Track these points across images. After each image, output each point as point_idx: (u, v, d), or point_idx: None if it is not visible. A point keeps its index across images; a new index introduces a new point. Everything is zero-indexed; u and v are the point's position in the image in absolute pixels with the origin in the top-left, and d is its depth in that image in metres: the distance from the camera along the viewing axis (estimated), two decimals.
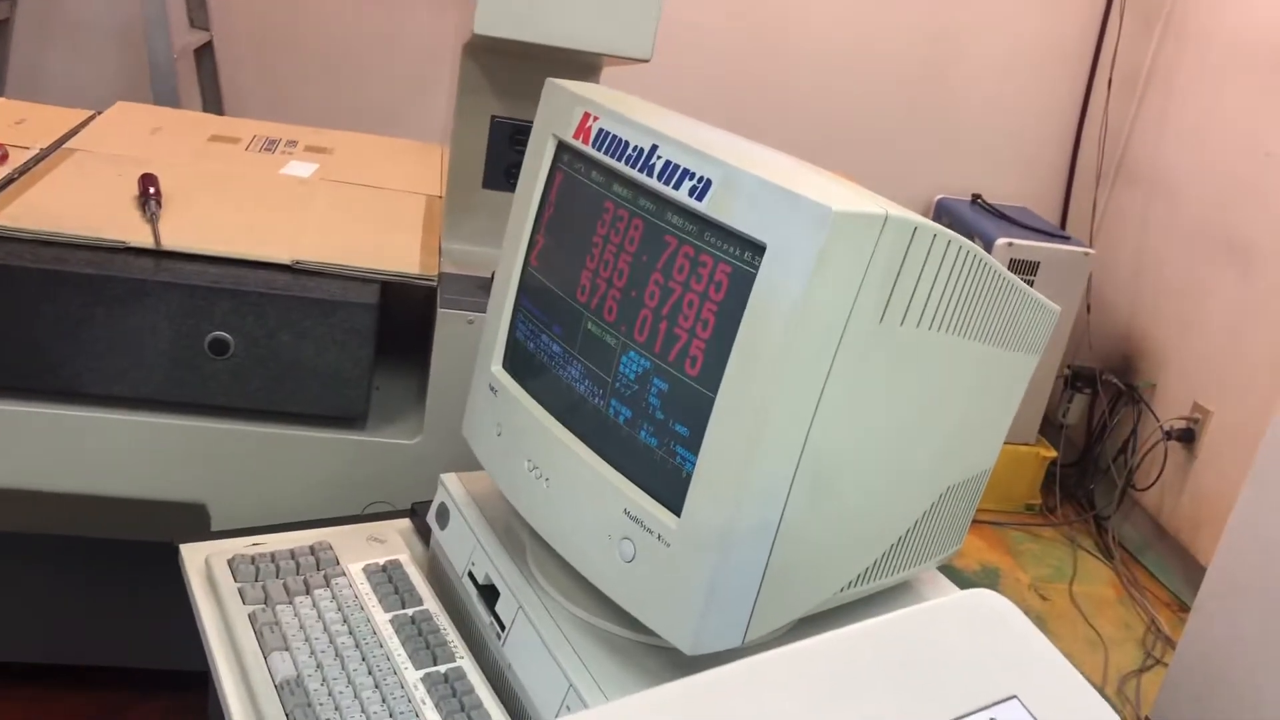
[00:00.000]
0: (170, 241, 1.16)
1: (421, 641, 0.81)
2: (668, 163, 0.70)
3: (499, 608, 0.82)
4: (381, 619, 0.83)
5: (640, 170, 0.71)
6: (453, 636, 0.82)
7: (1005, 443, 0.85)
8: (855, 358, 0.65)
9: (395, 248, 1.25)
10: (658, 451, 0.70)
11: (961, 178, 2.65)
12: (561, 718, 0.73)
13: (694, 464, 0.67)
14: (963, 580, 0.79)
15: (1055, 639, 0.54)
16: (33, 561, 1.30)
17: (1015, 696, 0.50)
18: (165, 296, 1.10)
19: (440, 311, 1.15)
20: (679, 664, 0.74)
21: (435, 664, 0.79)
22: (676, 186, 0.69)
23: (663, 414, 0.70)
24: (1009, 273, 0.74)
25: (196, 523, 1.18)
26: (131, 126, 1.55)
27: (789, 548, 0.68)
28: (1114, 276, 2.60)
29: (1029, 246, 2.31)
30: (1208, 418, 2.24)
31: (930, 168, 2.64)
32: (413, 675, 0.78)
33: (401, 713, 0.75)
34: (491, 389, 0.86)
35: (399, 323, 1.28)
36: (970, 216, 2.48)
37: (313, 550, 0.91)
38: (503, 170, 1.28)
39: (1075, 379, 2.51)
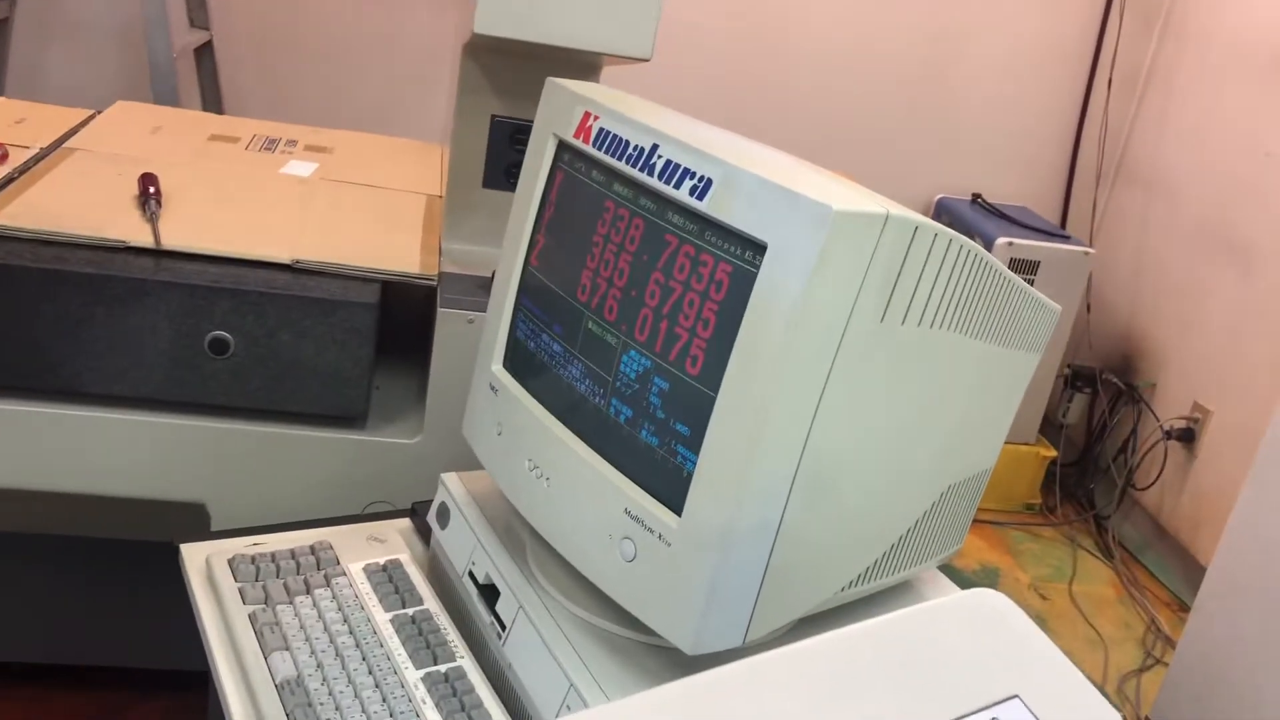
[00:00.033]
0: (170, 241, 1.16)
1: (422, 641, 0.81)
2: (668, 162, 0.70)
3: (499, 607, 0.82)
4: (382, 619, 0.83)
5: (641, 170, 0.71)
6: (453, 636, 0.82)
7: (1005, 442, 0.85)
8: (856, 357, 0.65)
9: (395, 247, 1.25)
10: (658, 451, 0.70)
11: (961, 177, 2.65)
12: (562, 718, 0.73)
13: (695, 463, 0.67)
14: (962, 580, 0.79)
15: (1055, 639, 0.54)
16: (33, 561, 1.30)
17: (1017, 696, 0.50)
18: (165, 296, 1.10)
19: (440, 311, 1.15)
20: (680, 664, 0.74)
21: (436, 664, 0.79)
22: (677, 186, 0.69)
23: (663, 413, 0.70)
24: (1010, 272, 0.74)
25: (196, 522, 1.18)
26: (131, 126, 1.55)
27: (790, 547, 0.68)
28: (1114, 276, 2.60)
29: (1029, 246, 2.31)
30: (1208, 417, 2.24)
31: (930, 167, 2.64)
32: (413, 675, 0.78)
33: (402, 712, 0.75)
34: (492, 388, 0.85)
35: (399, 322, 1.28)
36: (970, 216, 2.48)
37: (313, 550, 0.91)
38: (503, 170, 1.27)
39: (1075, 378, 2.51)
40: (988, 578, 2.19)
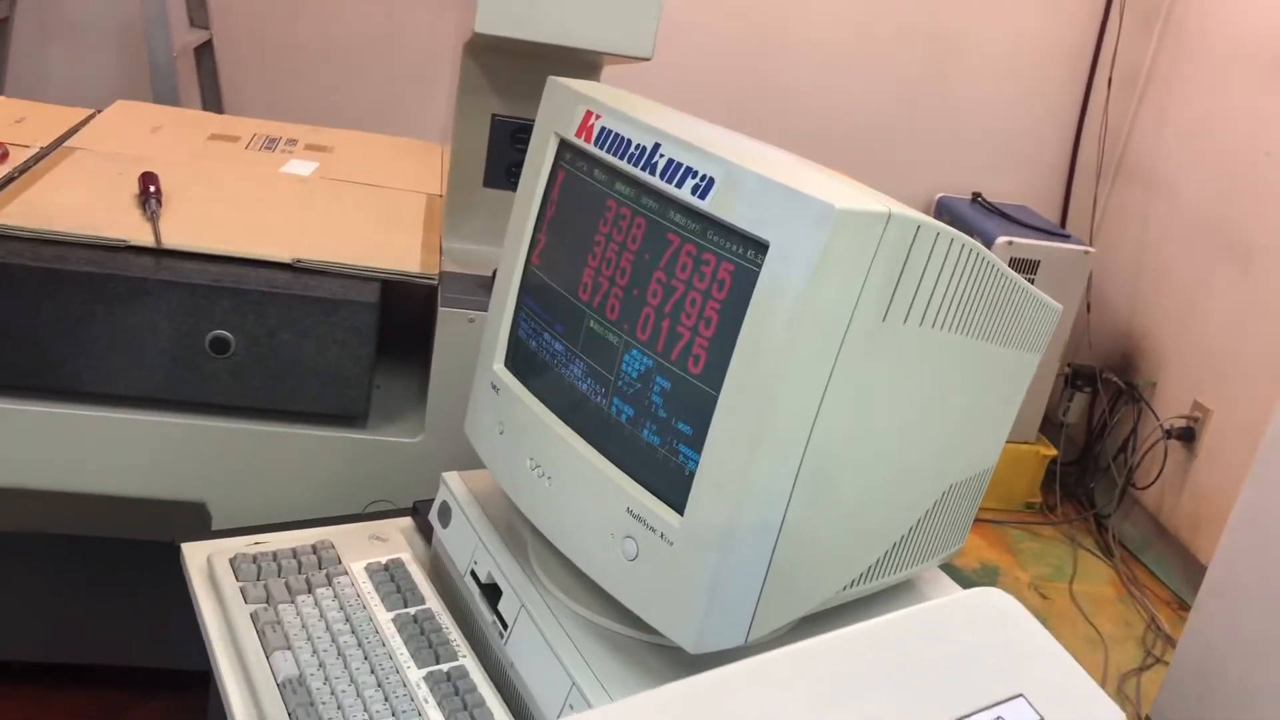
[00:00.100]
0: (171, 240, 1.16)
1: (424, 640, 0.81)
2: (670, 161, 0.70)
3: (501, 606, 0.82)
4: (384, 618, 0.83)
5: (642, 169, 0.71)
6: (455, 635, 0.82)
7: (1005, 441, 0.85)
8: (858, 356, 0.65)
9: (396, 246, 1.25)
10: (660, 450, 0.70)
11: (962, 176, 2.65)
12: (565, 717, 0.73)
13: (697, 462, 0.67)
14: (962, 579, 0.79)
15: (1055, 638, 0.54)
16: (32, 560, 1.30)
17: (1022, 695, 0.50)
18: (166, 295, 1.10)
19: (441, 310, 1.15)
20: (682, 663, 0.74)
21: (438, 663, 0.79)
22: (679, 185, 0.69)
23: (665, 412, 0.70)
24: (1011, 271, 0.74)
25: (197, 521, 1.18)
26: (131, 125, 1.55)
27: (792, 546, 0.68)
28: (1114, 275, 2.60)
29: (1029, 245, 2.31)
30: (1208, 416, 2.24)
31: (930, 166, 2.64)
32: (415, 674, 0.78)
33: (404, 711, 0.75)
34: (493, 387, 0.85)
35: (400, 321, 1.28)
36: (970, 215, 2.48)
37: (314, 549, 0.91)
38: (503, 169, 1.27)
39: (1075, 377, 2.51)
40: (988, 577, 2.19)
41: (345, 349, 1.14)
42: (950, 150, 2.64)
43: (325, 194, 1.39)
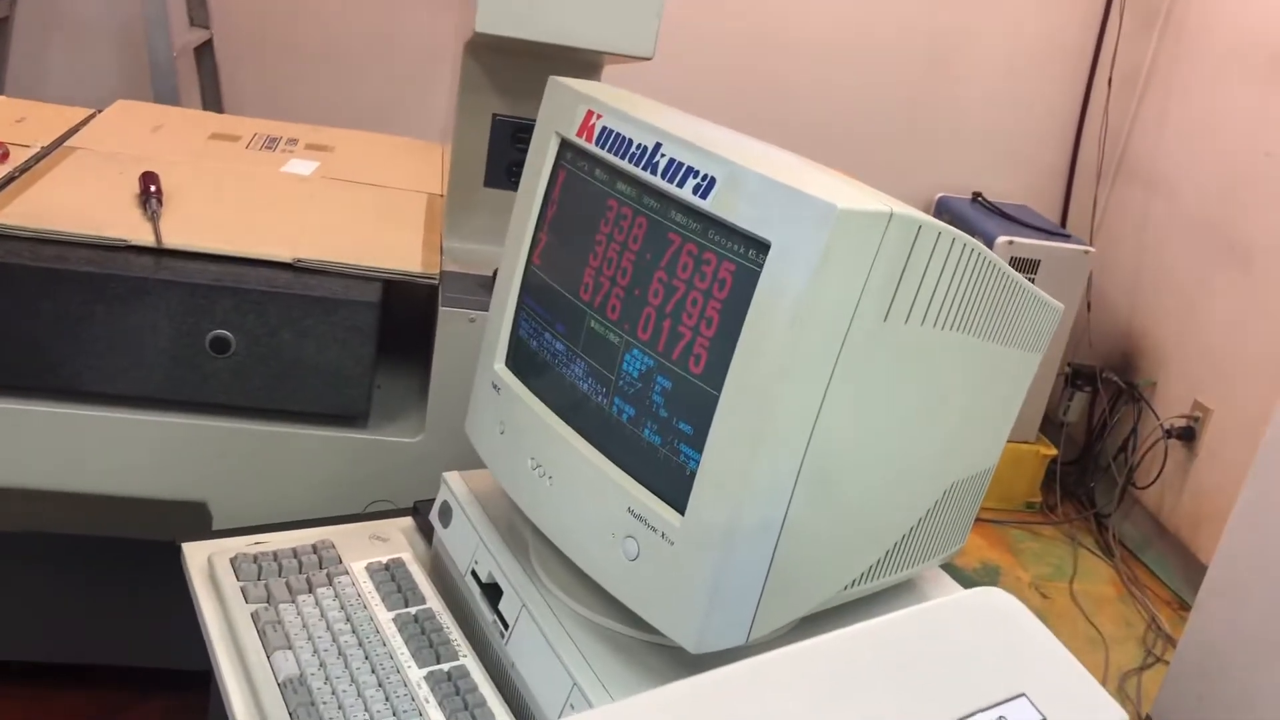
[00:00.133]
0: (171, 240, 1.15)
1: (425, 640, 0.81)
2: (671, 161, 0.70)
3: (502, 606, 0.82)
4: (384, 617, 0.83)
5: (644, 168, 0.71)
6: (456, 635, 0.82)
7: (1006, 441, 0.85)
8: (859, 355, 0.65)
9: (397, 246, 1.25)
10: (661, 449, 0.70)
11: (962, 176, 2.65)
12: (566, 717, 0.73)
13: (698, 462, 0.67)
14: (963, 578, 0.79)
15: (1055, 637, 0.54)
16: (32, 560, 1.30)
17: (1024, 694, 0.50)
18: (166, 295, 1.10)
19: (442, 310, 1.15)
20: (683, 662, 0.74)
21: (438, 662, 0.79)
22: (680, 184, 0.69)
23: (666, 412, 0.70)
24: (1013, 271, 0.74)
25: (197, 521, 1.18)
26: (132, 125, 1.55)
27: (793, 546, 0.68)
28: (1114, 275, 2.60)
29: (1029, 245, 2.31)
30: (1208, 416, 2.24)
31: (931, 166, 2.64)
32: (416, 674, 0.78)
33: (405, 711, 0.75)
34: (494, 387, 0.85)
35: (400, 321, 1.28)
36: (971, 214, 2.48)
37: (315, 549, 0.91)
38: (504, 168, 1.27)
39: (1075, 377, 2.51)
40: (988, 576, 2.19)
41: (346, 349, 1.14)
42: (950, 150, 2.64)
43: (326, 193, 1.39)
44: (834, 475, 0.68)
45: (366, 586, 0.87)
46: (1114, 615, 2.14)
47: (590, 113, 0.77)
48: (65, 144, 1.41)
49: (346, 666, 0.78)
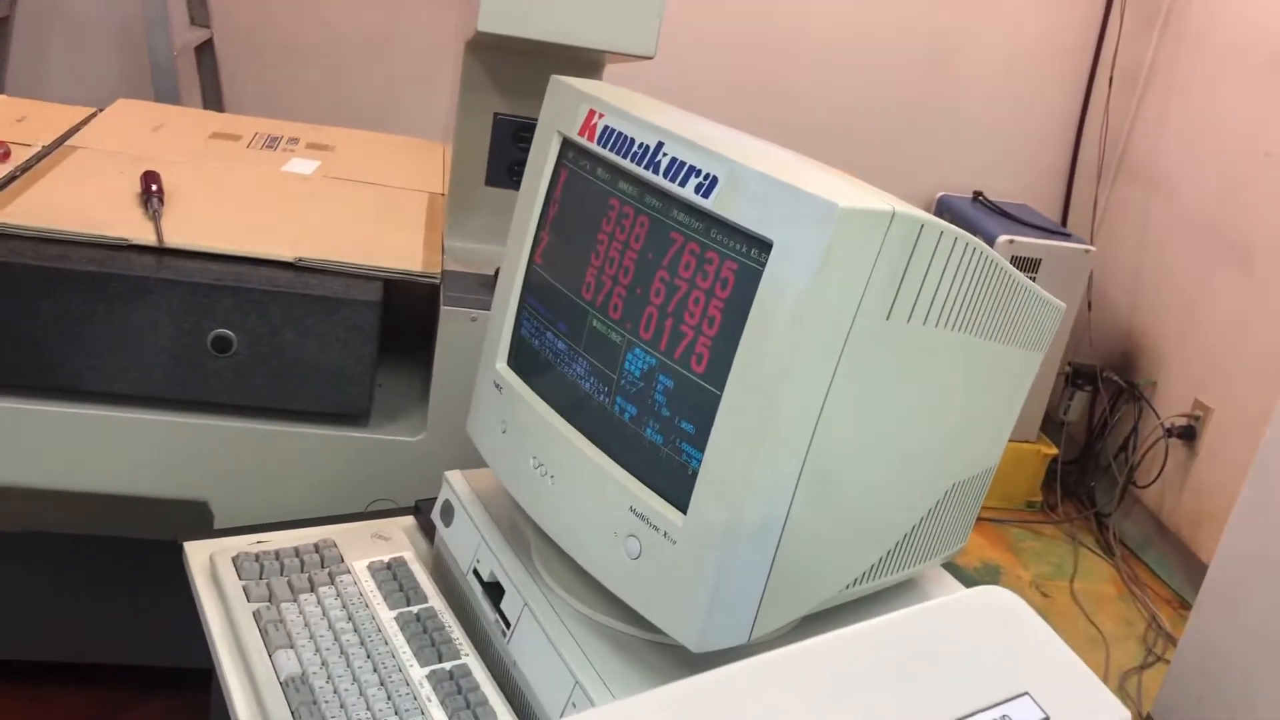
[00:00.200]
0: (172, 239, 1.15)
1: (426, 639, 0.81)
2: (673, 160, 0.70)
3: (504, 605, 0.82)
4: (386, 616, 0.83)
5: (646, 167, 0.71)
6: (458, 634, 0.82)
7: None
8: (861, 355, 0.65)
9: (398, 245, 1.25)
10: (663, 449, 0.70)
11: (963, 175, 2.65)
12: (568, 716, 0.73)
13: (700, 461, 0.67)
14: (964, 577, 0.79)
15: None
16: (32, 559, 1.30)
17: (1027, 693, 0.50)
18: (167, 294, 1.10)
19: (443, 309, 1.15)
20: (685, 661, 0.74)
21: (440, 661, 0.79)
22: (682, 184, 0.69)
23: (668, 411, 0.70)
24: (1014, 270, 0.74)
25: (199, 520, 1.18)
26: (133, 124, 1.55)
27: (795, 545, 0.68)
28: (1115, 274, 2.60)
29: (1030, 244, 2.31)
30: (1208, 415, 2.24)
31: (931, 165, 2.64)
32: (418, 672, 0.78)
33: (406, 710, 0.75)
34: (496, 386, 0.85)
35: (402, 320, 1.28)
36: (971, 214, 2.48)
37: (317, 548, 0.91)
38: (505, 167, 1.27)
39: (1076, 376, 2.51)
40: (989, 575, 2.19)
41: (347, 348, 1.14)
42: (951, 149, 2.64)
43: (327, 193, 1.39)
44: (836, 474, 0.68)
45: (368, 585, 0.87)
46: (1114, 614, 2.14)
47: (592, 112, 0.77)
48: (66, 143, 1.41)
49: (348, 665, 0.78)
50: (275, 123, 1.66)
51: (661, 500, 0.70)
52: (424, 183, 1.50)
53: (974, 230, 2.36)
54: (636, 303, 0.72)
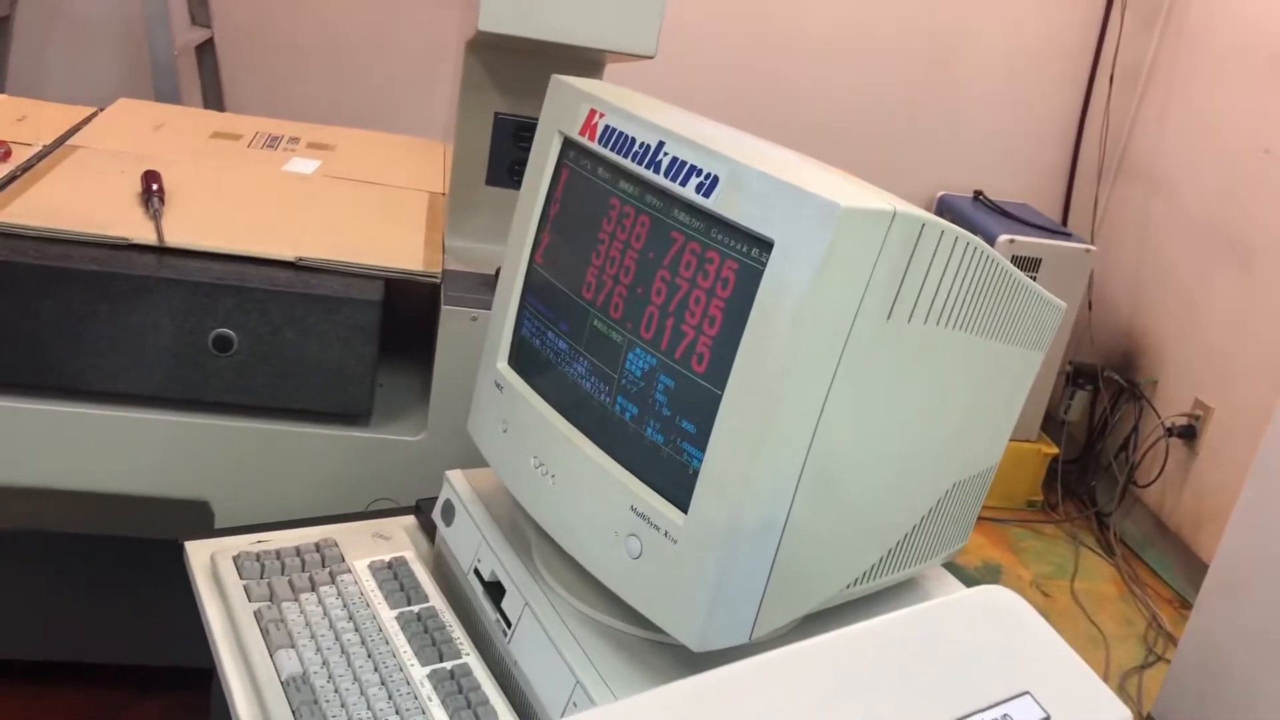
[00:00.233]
0: (173, 238, 1.16)
1: (427, 638, 0.81)
2: (674, 159, 0.70)
3: (505, 604, 0.82)
4: (387, 616, 0.83)
5: (647, 167, 0.71)
6: (458, 633, 0.82)
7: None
8: (862, 354, 0.65)
9: (399, 244, 1.25)
10: (664, 448, 0.70)
11: (963, 174, 2.65)
12: (569, 716, 0.73)
13: (701, 460, 0.67)
14: (964, 577, 0.79)
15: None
16: (33, 559, 1.30)
17: (1028, 693, 0.50)
18: (168, 293, 1.10)
19: (444, 308, 1.15)
20: (686, 661, 0.74)
21: (441, 661, 0.79)
22: (683, 183, 0.69)
23: (669, 410, 0.70)
24: (1015, 269, 0.74)
25: (199, 520, 1.18)
26: (134, 123, 1.55)
27: (796, 544, 0.68)
28: (1115, 273, 2.60)
29: (1030, 243, 2.31)
30: (1209, 414, 2.24)
31: (932, 164, 2.64)
32: (419, 672, 0.78)
33: (407, 709, 0.75)
34: (497, 385, 0.85)
35: (403, 319, 1.28)
36: (972, 213, 2.48)
37: (318, 547, 0.91)
38: (506, 167, 1.27)
39: (1077, 375, 2.51)
40: (990, 575, 2.19)
41: (348, 347, 1.14)
42: (952, 149, 2.64)
43: (328, 192, 1.39)
44: (837, 474, 0.68)
45: (369, 585, 0.87)
46: (1115, 614, 2.14)
47: (593, 111, 0.77)
48: (67, 143, 1.41)
49: (349, 665, 0.78)
50: (276, 122, 1.66)
51: (662, 500, 0.70)
52: (425, 182, 1.50)
53: (974, 230, 2.36)
54: (637, 302, 0.72)
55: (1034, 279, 2.27)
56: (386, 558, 0.90)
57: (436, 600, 0.86)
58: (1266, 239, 2.15)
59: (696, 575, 0.67)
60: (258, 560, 0.88)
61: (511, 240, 0.85)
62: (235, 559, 0.89)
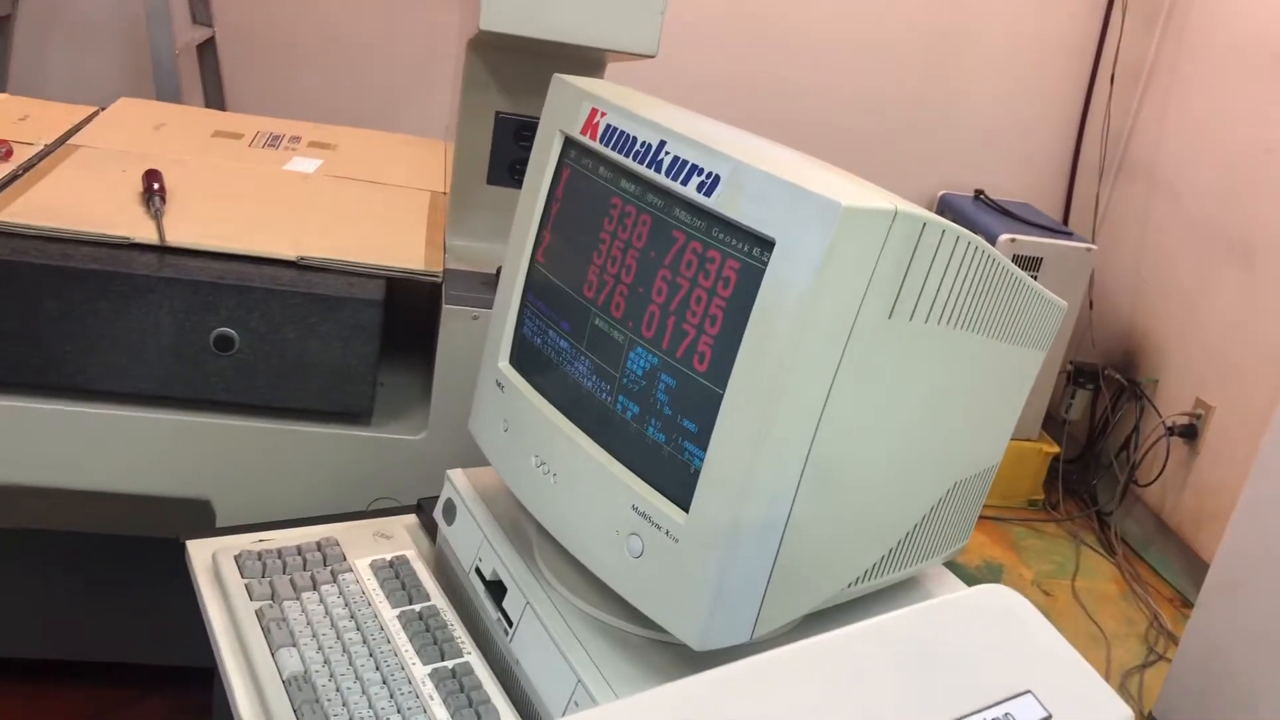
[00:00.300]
0: (175, 237, 1.16)
1: (429, 637, 0.81)
2: (676, 158, 0.70)
3: (506, 603, 0.82)
4: (389, 615, 0.83)
5: (648, 166, 0.71)
6: (460, 632, 0.82)
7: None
8: (863, 353, 0.65)
9: (400, 244, 1.25)
10: (666, 447, 0.70)
11: (964, 173, 2.65)
12: (571, 716, 0.73)
13: (702, 460, 0.67)
14: (966, 576, 0.79)
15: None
16: (33, 558, 1.30)
17: (1030, 691, 0.50)
18: (170, 292, 1.10)
19: (445, 307, 1.15)
20: (687, 660, 0.74)
21: (443, 659, 0.79)
22: (684, 182, 0.69)
23: (670, 410, 0.70)
24: (1016, 268, 0.74)
25: (201, 519, 1.18)
26: (135, 122, 1.55)
27: (797, 543, 0.68)
28: (1116, 272, 2.59)
29: (1031, 242, 2.31)
30: (1210, 413, 2.24)
31: (933, 164, 2.64)
32: (420, 671, 0.78)
33: (409, 708, 0.75)
34: (498, 385, 0.85)
35: (404, 318, 1.28)
36: (973, 212, 2.48)
37: (319, 546, 0.91)
38: (507, 166, 1.27)
39: (1078, 375, 2.51)
40: (991, 574, 2.19)
41: (349, 346, 1.14)
42: (953, 148, 2.64)
43: (329, 191, 1.39)
44: (838, 473, 0.68)
45: (371, 584, 0.87)
46: (1116, 613, 2.14)
47: (594, 110, 0.77)
48: (68, 142, 1.41)
49: (351, 664, 0.79)
50: (277, 121, 1.66)
51: (664, 499, 0.70)
52: (426, 181, 1.50)
53: (975, 229, 2.36)
54: (639, 301, 0.72)
55: (1035, 278, 2.26)
56: (388, 556, 0.90)
57: (438, 599, 0.86)
58: (1267, 238, 2.15)
59: (698, 574, 0.67)
60: (259, 559, 0.89)
61: (513, 239, 0.85)
62: (237, 558, 0.89)
